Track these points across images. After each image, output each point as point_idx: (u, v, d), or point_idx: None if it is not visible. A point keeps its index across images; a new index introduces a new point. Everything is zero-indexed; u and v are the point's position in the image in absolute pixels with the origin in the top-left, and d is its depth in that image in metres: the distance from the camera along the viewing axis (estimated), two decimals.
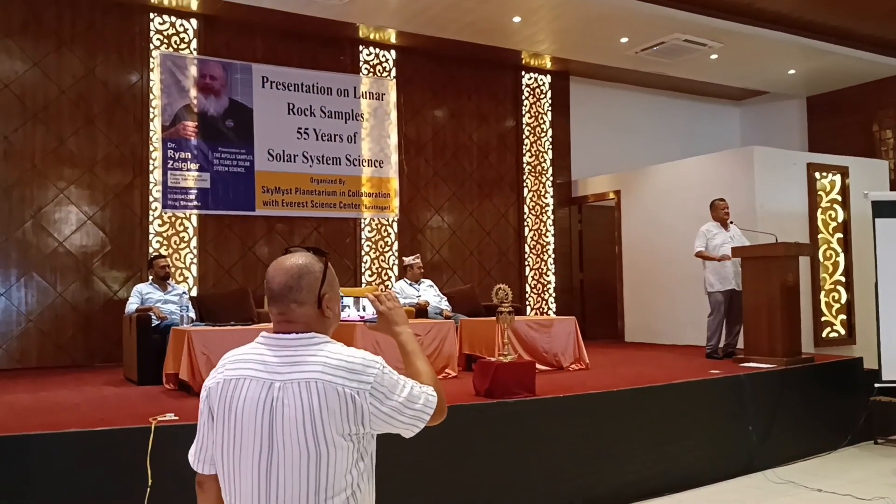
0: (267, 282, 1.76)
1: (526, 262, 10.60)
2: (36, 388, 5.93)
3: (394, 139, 9.62)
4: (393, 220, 9.62)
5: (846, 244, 8.90)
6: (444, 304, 8.02)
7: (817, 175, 8.85)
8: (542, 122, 10.86)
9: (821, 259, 8.74)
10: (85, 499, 3.65)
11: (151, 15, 8.33)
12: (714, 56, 9.88)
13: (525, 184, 10.66)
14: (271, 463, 1.61)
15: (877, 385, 6.53)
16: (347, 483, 1.66)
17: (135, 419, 4.09)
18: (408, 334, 1.94)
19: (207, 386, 1.72)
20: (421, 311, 7.71)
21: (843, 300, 8.86)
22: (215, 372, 1.73)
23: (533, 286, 10.64)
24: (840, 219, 8.92)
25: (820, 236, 8.77)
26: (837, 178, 8.96)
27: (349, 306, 6.08)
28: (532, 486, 4.74)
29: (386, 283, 9.44)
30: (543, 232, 10.78)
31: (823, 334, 8.68)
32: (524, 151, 10.69)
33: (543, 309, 10.68)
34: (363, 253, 9.42)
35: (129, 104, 8.22)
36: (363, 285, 9.24)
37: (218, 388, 1.69)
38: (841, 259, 8.87)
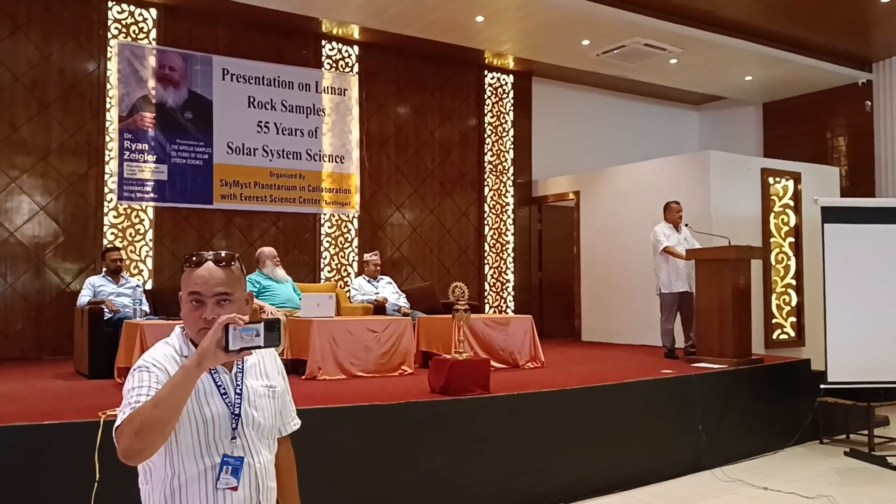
0: None
1: (485, 261, 10.65)
2: None
3: (355, 135, 9.60)
4: (353, 216, 9.59)
5: (797, 248, 9.10)
6: (403, 301, 8.03)
7: (771, 180, 9.03)
8: (504, 121, 10.92)
9: (773, 262, 8.93)
10: (31, 493, 3.60)
11: (110, 3, 8.20)
12: (674, 61, 10.02)
13: (486, 182, 10.71)
14: None
15: (823, 386, 6.68)
16: None
17: (84, 413, 4.02)
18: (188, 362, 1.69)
19: None
20: (379, 307, 7.71)
21: (794, 303, 9.07)
22: None
23: (492, 284, 10.70)
24: (792, 223, 9.11)
25: (772, 240, 8.96)
26: (790, 183, 9.16)
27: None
28: (484, 482, 4.77)
29: (345, 279, 9.42)
30: (503, 231, 10.85)
31: (774, 336, 8.87)
32: (486, 150, 10.73)
33: (502, 307, 10.74)
34: (323, 249, 9.38)
35: (85, 92, 8.07)
36: (322, 281, 9.21)
37: None
38: (792, 263, 9.07)
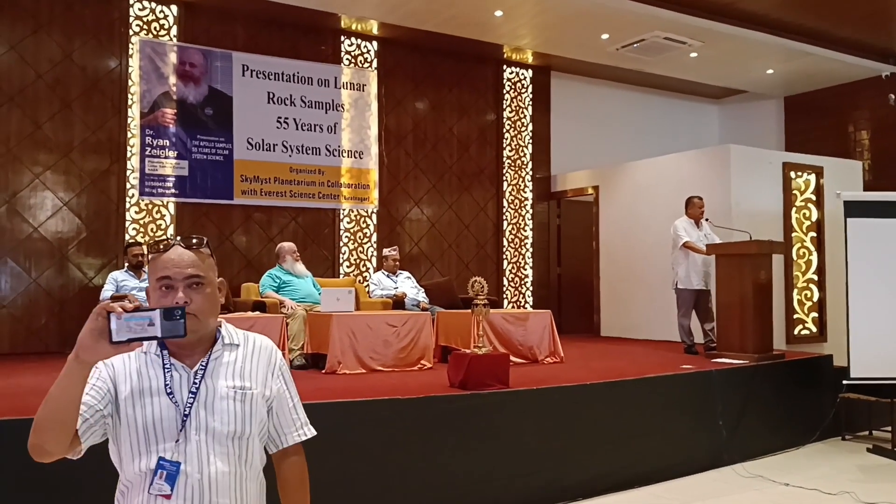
0: None
1: (504, 256, 10.64)
2: (6, 373, 5.89)
3: (374, 130, 9.61)
4: (372, 212, 9.62)
5: (819, 243, 9.02)
6: (422, 296, 8.05)
7: (793, 174, 8.95)
8: (522, 116, 10.89)
9: (794, 257, 8.86)
10: (54, 486, 3.64)
11: (131, 0, 8.26)
12: (694, 54, 9.95)
13: (504, 177, 10.70)
14: None
15: (845, 382, 6.61)
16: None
17: None
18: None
19: None
20: (398, 302, 7.74)
21: (816, 298, 8.99)
22: None
23: (510, 280, 10.69)
24: (814, 218, 9.03)
25: (794, 235, 8.88)
26: (812, 177, 9.07)
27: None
28: (503, 477, 4.77)
29: (364, 274, 9.45)
30: (522, 226, 10.83)
31: (795, 332, 8.81)
32: (504, 145, 10.72)
33: (520, 302, 10.73)
34: (342, 244, 9.42)
35: (107, 90, 8.15)
36: (341, 276, 9.24)
37: None
38: (814, 258, 8.99)
